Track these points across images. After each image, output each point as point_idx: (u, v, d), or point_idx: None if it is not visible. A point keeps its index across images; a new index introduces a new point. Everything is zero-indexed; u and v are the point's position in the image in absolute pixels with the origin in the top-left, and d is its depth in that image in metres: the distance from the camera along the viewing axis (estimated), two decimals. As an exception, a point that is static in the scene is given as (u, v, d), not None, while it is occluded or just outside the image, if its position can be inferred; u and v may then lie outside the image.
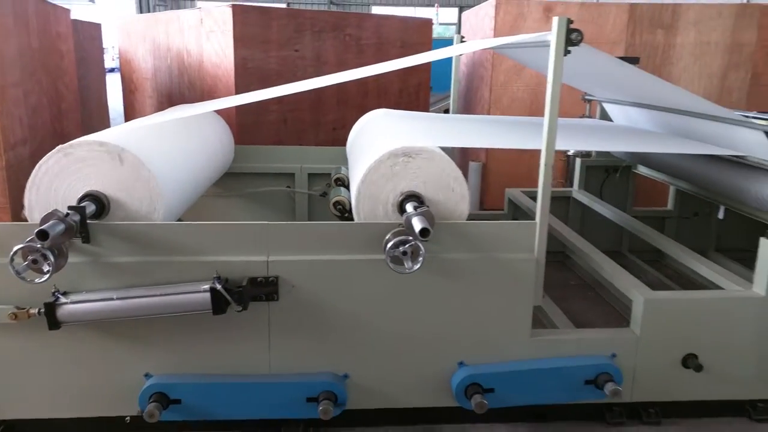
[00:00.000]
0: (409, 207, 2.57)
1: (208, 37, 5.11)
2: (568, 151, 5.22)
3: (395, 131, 3.23)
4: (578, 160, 4.87)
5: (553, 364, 2.68)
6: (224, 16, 4.91)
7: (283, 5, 20.58)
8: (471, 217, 2.69)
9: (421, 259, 2.43)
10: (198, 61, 5.21)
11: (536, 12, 5.95)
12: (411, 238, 2.42)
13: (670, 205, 4.90)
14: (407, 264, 2.45)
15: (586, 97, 4.72)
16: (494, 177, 6.36)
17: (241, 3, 5.13)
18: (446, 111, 10.34)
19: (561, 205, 4.91)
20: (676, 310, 2.76)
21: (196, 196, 3.19)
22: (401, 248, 2.43)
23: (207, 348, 2.59)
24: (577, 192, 4.85)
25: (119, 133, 2.72)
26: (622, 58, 4.51)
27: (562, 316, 3.60)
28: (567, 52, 2.47)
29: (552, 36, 2.47)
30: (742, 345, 2.79)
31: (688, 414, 2.84)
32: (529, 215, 4.30)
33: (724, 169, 3.33)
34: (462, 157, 7.72)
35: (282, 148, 4.60)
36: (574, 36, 2.43)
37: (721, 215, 4.03)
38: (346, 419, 2.65)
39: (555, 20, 2.45)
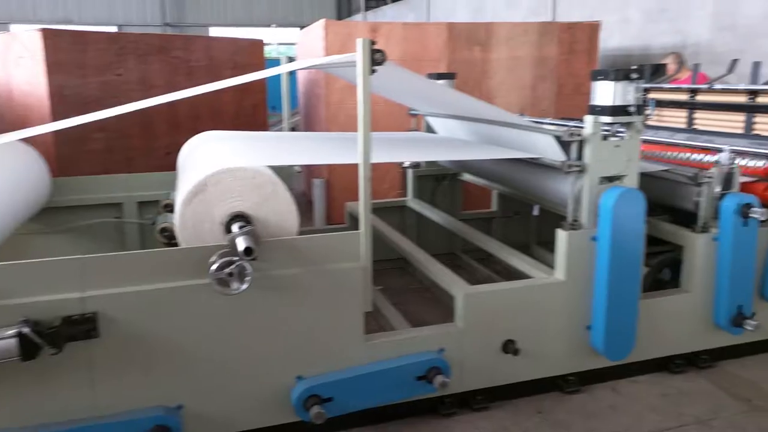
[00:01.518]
0: (235, 227, 2.58)
1: (18, 64, 4.74)
2: (403, 163, 5.48)
3: (221, 152, 3.22)
4: (410, 171, 5.14)
5: (386, 365, 2.81)
6: (33, 41, 4.60)
7: (113, 28, 19.54)
8: (315, 233, 2.76)
9: (248, 278, 2.45)
10: (6, 90, 4.81)
11: (363, 32, 6.21)
12: (236, 258, 2.44)
13: (494, 207, 5.33)
14: (234, 285, 2.45)
15: (411, 112, 5.01)
16: (338, 192, 6.50)
17: (57, 27, 4.83)
18: (293, 129, 10.41)
19: (397, 214, 5.16)
20: (492, 301, 3.02)
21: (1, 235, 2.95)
22: (227, 269, 2.44)
23: (24, 397, 2.40)
24: (411, 201, 5.12)
25: None
26: (440, 75, 4.89)
27: (402, 319, 3.79)
28: (373, 71, 2.63)
29: (357, 57, 2.62)
30: (551, 326, 3.11)
31: (512, 395, 3.11)
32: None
33: (531, 171, 3.71)
34: (307, 174, 7.83)
35: (107, 177, 4.38)
36: (377, 56, 2.60)
37: (535, 212, 4.47)
38: (185, 450, 2.59)
39: (358, 42, 2.60)
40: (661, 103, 4.94)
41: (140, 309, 2.49)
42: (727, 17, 6.73)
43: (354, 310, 2.79)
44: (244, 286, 2.46)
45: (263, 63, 6.44)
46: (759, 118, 4.16)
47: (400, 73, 3.13)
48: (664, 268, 3.63)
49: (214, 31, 20.87)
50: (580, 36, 6.81)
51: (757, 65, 4.28)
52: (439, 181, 5.19)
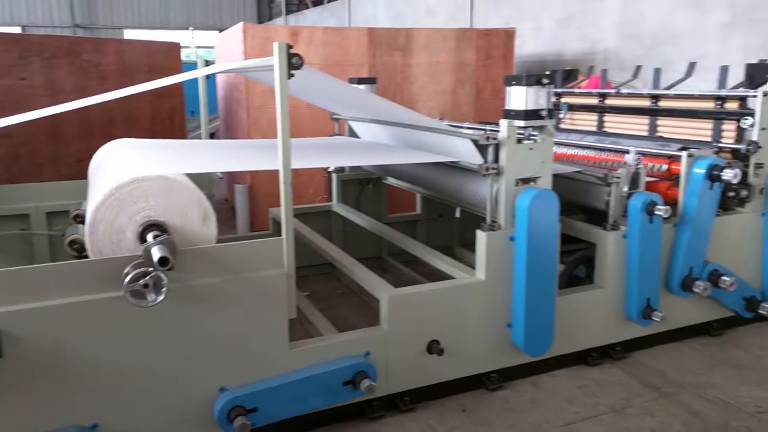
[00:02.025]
0: (150, 237, 2.49)
1: None
2: (328, 168, 5.46)
3: (135, 160, 3.10)
4: (334, 176, 5.13)
5: (311, 371, 2.79)
6: (-77, 42, 4.27)
7: (17, 29, 18.41)
8: (239, 240, 2.70)
9: (164, 289, 2.37)
10: None
11: (283, 36, 6.15)
12: (152, 269, 2.35)
13: (418, 210, 5.40)
14: (150, 296, 2.37)
15: (333, 117, 5.01)
16: (262, 198, 6.39)
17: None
18: (212, 135, 10.15)
19: (323, 219, 5.14)
20: (415, 303, 3.06)
21: None
22: (141, 281, 2.35)
23: None
24: (336, 205, 5.10)
25: None
26: (360, 80, 4.90)
27: (328, 325, 3.77)
28: (290, 75, 2.60)
29: (275, 61, 2.59)
30: (473, 325, 3.18)
31: (438, 395, 3.15)
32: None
33: (451, 174, 3.78)
34: (229, 181, 7.66)
35: (13, 186, 4.13)
36: (294, 60, 2.57)
37: (457, 214, 4.55)
38: (101, 472, 2.46)
39: (275, 46, 2.57)
40: (572, 107, 5.16)
41: (49, 325, 2.35)
42: (630, 26, 7.13)
43: (278, 317, 2.75)
44: (161, 298, 2.37)
45: (180, 66, 6.25)
46: (661, 121, 4.42)
47: (320, 77, 3.12)
48: (579, 266, 3.80)
49: (129, 34, 20.10)
50: (497, 42, 7.02)
51: (658, 71, 4.55)
52: (363, 185, 5.20)
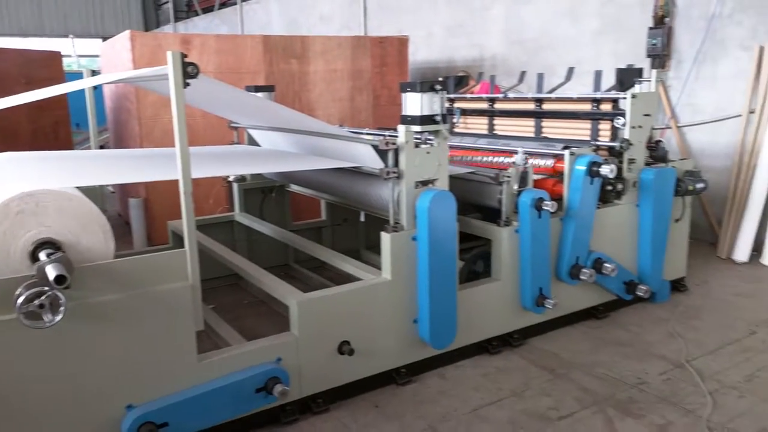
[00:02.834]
0: (42, 255, 2.39)
1: None
2: (228, 177, 5.38)
3: (20, 175, 2.94)
4: (235, 185, 5.08)
5: (222, 382, 2.77)
6: None
7: None
8: (136, 255, 2.62)
9: (62, 309, 2.28)
10: None
11: (174, 44, 6.01)
12: (47, 288, 2.25)
13: (323, 216, 5.46)
14: (47, 317, 2.27)
15: (232, 125, 4.96)
16: (159, 210, 6.19)
17: None
18: (102, 147, 9.69)
19: (226, 229, 5.07)
20: (324, 306, 3.11)
21: None
22: (36, 301, 2.24)
23: None
24: (239, 215, 5.05)
25: None
26: (258, 88, 4.89)
27: (237, 335, 3.74)
28: (186, 84, 2.58)
29: (169, 70, 2.56)
30: (382, 323, 3.28)
31: (351, 394, 3.22)
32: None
33: (354, 179, 3.87)
34: (122, 194, 7.34)
35: None
36: (190, 69, 2.56)
37: (362, 218, 4.65)
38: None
39: (169, 55, 2.54)
40: (465, 112, 5.42)
41: (-69, 356, 2.19)
42: (515, 34, 7.57)
43: (184, 330, 2.71)
44: (59, 318, 2.28)
45: (63, 76, 5.93)
46: (546, 123, 4.75)
47: (216, 85, 3.10)
48: (477, 261, 4.01)
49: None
50: (391, 50, 7.22)
51: (541, 76, 4.89)
52: (266, 193, 5.19)
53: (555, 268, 3.89)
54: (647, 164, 4.24)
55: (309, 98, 6.81)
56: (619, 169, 4.08)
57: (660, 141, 4.34)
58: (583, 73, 5.64)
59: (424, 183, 3.31)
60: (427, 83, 3.14)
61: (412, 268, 3.31)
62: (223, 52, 6.26)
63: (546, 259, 3.75)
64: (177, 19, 18.65)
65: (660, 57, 5.91)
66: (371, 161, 3.40)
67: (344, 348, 3.14)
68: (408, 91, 3.19)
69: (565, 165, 3.83)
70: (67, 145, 6.12)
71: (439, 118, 3.19)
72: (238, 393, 2.80)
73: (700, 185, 4.39)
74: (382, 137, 3.16)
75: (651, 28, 5.94)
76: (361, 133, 4.11)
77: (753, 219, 5.26)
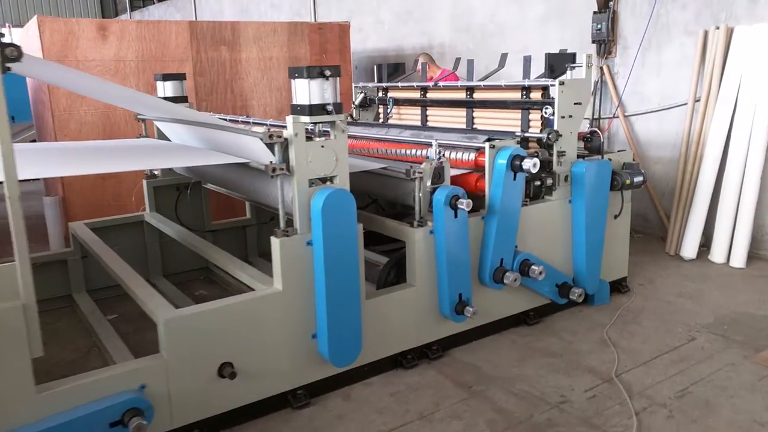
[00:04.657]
0: None
1: None
2: (146, 173, 4.97)
3: None
4: (144, 182, 4.67)
5: (66, 417, 2.38)
6: None
7: None
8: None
9: None
10: None
11: (89, 29, 5.54)
12: None
13: (248, 215, 5.08)
14: None
15: (139, 117, 4.55)
16: (78, 210, 5.74)
17: None
18: (33, 141, 9.17)
19: (136, 231, 4.67)
20: (200, 323, 2.73)
21: None
22: None
23: None
24: (149, 215, 4.64)
25: None
26: (165, 76, 4.49)
27: (127, 352, 3.37)
28: (6, 69, 2.18)
29: (-15, 52, 2.15)
30: (273, 340, 2.92)
31: (238, 421, 2.86)
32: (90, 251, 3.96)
33: (253, 176, 3.49)
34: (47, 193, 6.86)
35: None
36: (9, 51, 2.15)
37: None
38: None
39: (-17, 35, 2.14)
40: (398, 102, 5.06)
41: None
42: (462, 20, 7.22)
43: (18, 358, 2.32)
44: None
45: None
46: (477, 113, 4.41)
47: (53, 68, 2.69)
48: (395, 265, 3.65)
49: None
50: (331, 36, 6.82)
51: (471, 63, 4.55)
52: (180, 190, 4.78)
53: (478, 271, 3.56)
54: (581, 157, 3.92)
55: (242, 87, 6.39)
56: (548, 163, 3.76)
57: (595, 131, 4.02)
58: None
59: (323, 180, 2.95)
60: (315, 68, 2.76)
61: (308, 276, 2.95)
62: (144, 39, 5.81)
63: (465, 262, 3.41)
64: (133, 8, 18.01)
65: (605, 43, 5.61)
66: (264, 156, 3.02)
67: (225, 370, 2.77)
68: (296, 78, 2.81)
69: (486, 159, 3.48)
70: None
71: (331, 108, 2.81)
72: (88, 429, 2.41)
73: (638, 179, 4.08)
74: (265, 129, 2.78)
75: (595, 13, 5.62)
76: (264, 124, 3.72)
77: (700, 213, 4.98)
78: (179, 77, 4.54)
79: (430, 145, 3.33)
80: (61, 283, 4.41)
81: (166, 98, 4.48)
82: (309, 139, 2.87)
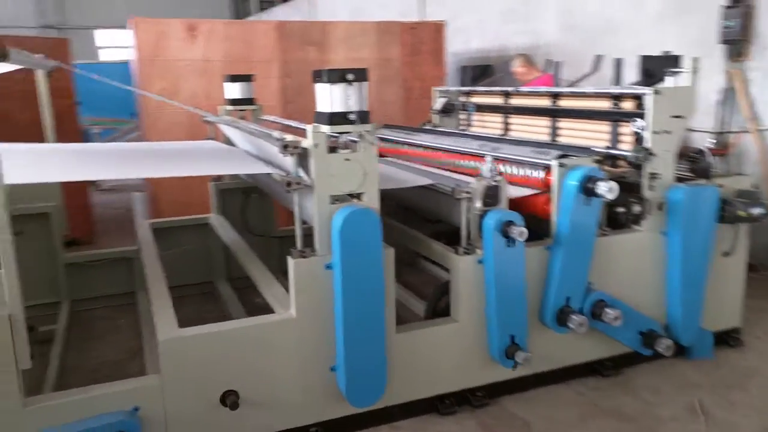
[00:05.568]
0: None
1: None
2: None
3: None
4: (211, 185, 4.60)
5: (49, 437, 2.26)
6: None
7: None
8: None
9: None
10: None
11: (178, 30, 5.61)
12: None
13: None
14: None
15: (205, 120, 4.48)
16: (165, 207, 5.84)
17: None
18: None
19: (202, 233, 4.62)
20: (202, 346, 2.51)
21: None
22: None
23: None
24: (214, 217, 4.57)
25: None
26: (233, 77, 4.37)
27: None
28: (-9, 70, 2.07)
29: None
30: (285, 371, 2.64)
31: (240, 456, 2.61)
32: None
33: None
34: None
35: None
36: (-8, 50, 2.04)
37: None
38: None
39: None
40: (480, 108, 4.60)
41: None
42: (571, 17, 6.55)
43: (4, 369, 2.22)
44: None
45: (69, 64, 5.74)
46: (562, 123, 3.85)
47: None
48: (447, 291, 3.23)
49: (100, 33, 19.65)
50: (424, 36, 6.46)
51: (557, 64, 3.99)
52: (247, 195, 4.67)
53: (539, 310, 3.05)
54: (681, 180, 3.26)
55: (330, 90, 6.20)
56: (637, 187, 3.15)
57: (703, 150, 3.33)
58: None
59: (351, 197, 2.62)
60: (337, 72, 2.44)
61: (327, 303, 2.63)
62: (232, 40, 5.80)
63: (520, 299, 2.92)
64: (262, 8, 18.77)
65: (737, 43, 4.74)
66: (291, 167, 2.74)
67: (228, 399, 2.53)
68: (317, 82, 2.50)
69: (553, 179, 2.97)
70: (74, 135, 5.92)
71: (354, 117, 2.47)
72: (68, 451, 2.28)
73: (757, 210, 3.31)
74: (280, 138, 2.50)
75: (726, 7, 4.77)
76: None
77: None
78: (246, 78, 4.42)
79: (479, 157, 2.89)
80: (126, 281, 4.45)
81: (232, 100, 4.40)
82: (333, 150, 2.55)
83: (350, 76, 2.42)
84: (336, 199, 2.59)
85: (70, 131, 5.86)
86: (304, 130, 2.57)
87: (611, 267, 3.17)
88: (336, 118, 2.46)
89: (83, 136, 9.45)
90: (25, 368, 2.27)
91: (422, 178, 3.16)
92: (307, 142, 2.51)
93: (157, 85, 5.61)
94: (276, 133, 2.87)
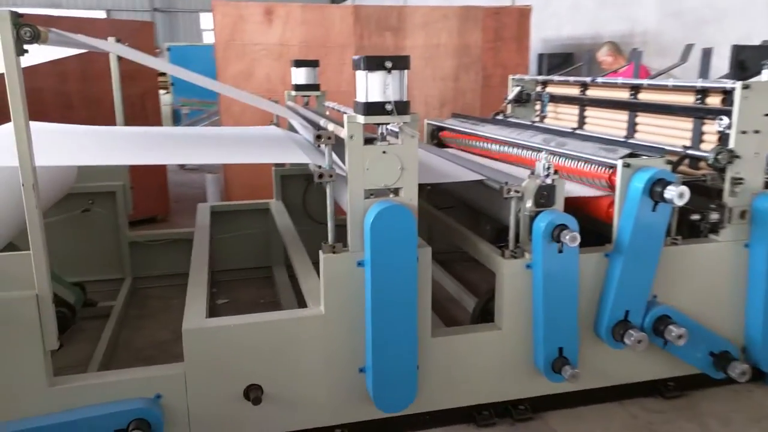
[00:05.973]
0: None
1: None
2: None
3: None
4: (273, 170, 4.60)
5: (74, 415, 2.30)
6: None
7: (102, 14, 19.22)
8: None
9: None
10: None
11: (256, 13, 5.65)
12: None
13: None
14: None
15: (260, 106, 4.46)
16: (236, 189, 5.97)
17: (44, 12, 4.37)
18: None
19: (262, 218, 4.64)
20: (225, 337, 2.47)
21: None
22: None
23: None
24: (274, 203, 4.58)
25: None
26: (298, 62, 4.31)
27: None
28: (24, 52, 2.08)
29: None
30: (310, 368, 2.56)
31: (261, 450, 2.57)
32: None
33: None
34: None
35: None
36: (24, 32, 2.04)
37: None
38: None
39: (-1, 16, 2.04)
40: (554, 98, 4.30)
41: None
42: (672, 3, 5.99)
43: (32, 349, 2.28)
44: None
45: (152, 48, 5.95)
46: (641, 118, 3.50)
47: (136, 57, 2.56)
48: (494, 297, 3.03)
49: (204, 16, 20.49)
50: (508, 22, 6.15)
51: (639, 54, 3.62)
52: (309, 181, 4.63)
53: (594, 321, 2.79)
54: (769, 187, 2.87)
55: (404, 76, 6.05)
56: (717, 192, 2.79)
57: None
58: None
59: (393, 191, 2.48)
60: (375, 59, 2.28)
61: (358, 301, 2.52)
62: (309, 24, 5.78)
63: (571, 309, 2.67)
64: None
65: None
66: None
67: (251, 393, 2.48)
68: (356, 69, 2.37)
69: (617, 180, 2.68)
70: (155, 117, 6.13)
71: (391, 107, 2.32)
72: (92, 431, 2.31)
73: None
74: (314, 128, 2.40)
75: None
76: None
77: None
78: (312, 64, 4.35)
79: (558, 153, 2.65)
80: (186, 261, 4.54)
81: (297, 86, 4.35)
82: (369, 142, 2.42)
83: (388, 64, 2.27)
84: (371, 194, 2.47)
85: (152, 112, 6.09)
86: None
87: (681, 279, 2.84)
88: (372, 108, 2.32)
89: (173, 116, 9.87)
90: (53, 349, 2.31)
91: (470, 173, 2.96)
92: (344, 133, 2.38)
93: (233, 68, 5.70)
94: (323, 122, 2.79)
